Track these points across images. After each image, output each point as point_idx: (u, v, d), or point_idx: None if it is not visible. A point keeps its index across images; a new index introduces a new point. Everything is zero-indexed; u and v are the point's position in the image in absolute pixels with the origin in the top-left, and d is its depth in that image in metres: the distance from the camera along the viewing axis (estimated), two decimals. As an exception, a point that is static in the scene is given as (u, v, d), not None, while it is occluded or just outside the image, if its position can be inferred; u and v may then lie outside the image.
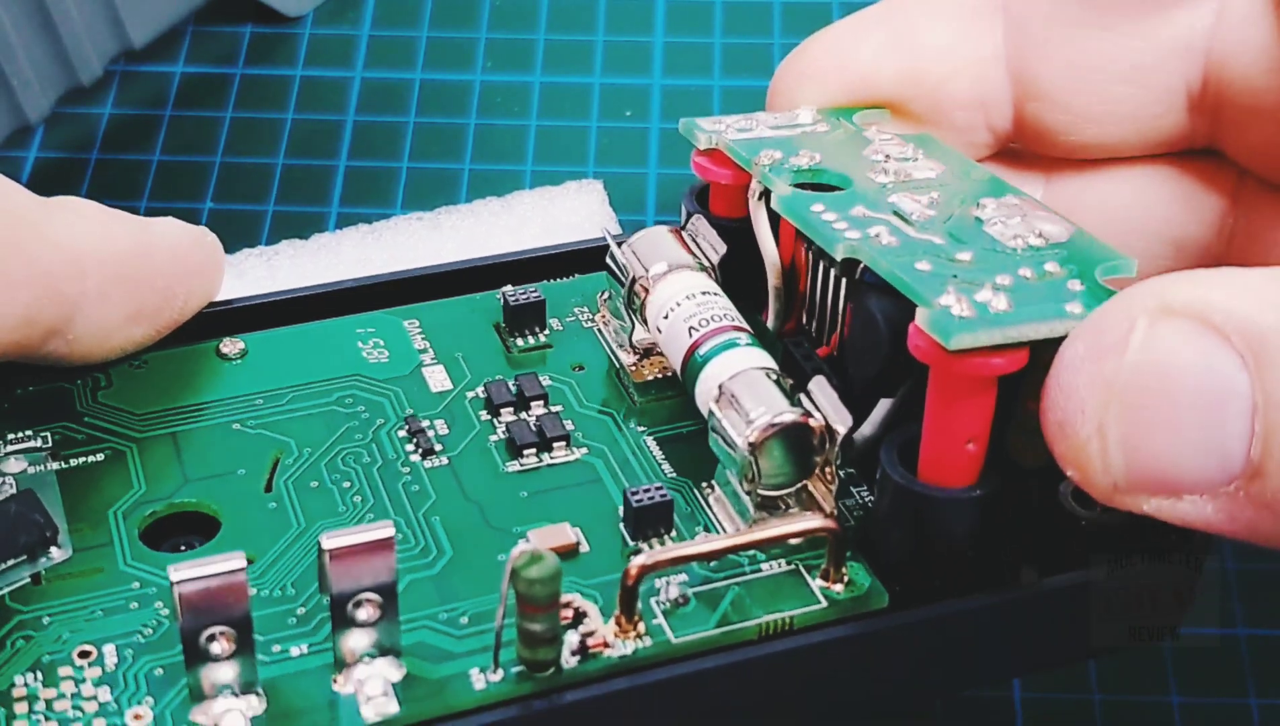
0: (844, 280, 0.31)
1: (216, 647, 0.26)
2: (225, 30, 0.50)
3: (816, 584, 0.29)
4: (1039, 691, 0.35)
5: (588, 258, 0.36)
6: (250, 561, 0.29)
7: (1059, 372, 0.26)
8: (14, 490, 0.30)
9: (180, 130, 0.47)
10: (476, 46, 0.49)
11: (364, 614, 0.27)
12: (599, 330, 0.35)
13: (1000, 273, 0.28)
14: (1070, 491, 0.30)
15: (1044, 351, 0.27)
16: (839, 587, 0.29)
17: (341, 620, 0.27)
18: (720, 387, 0.30)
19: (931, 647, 0.29)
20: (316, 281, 0.36)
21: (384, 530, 0.26)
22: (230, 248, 0.43)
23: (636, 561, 0.28)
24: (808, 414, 0.29)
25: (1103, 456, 0.26)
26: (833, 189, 0.32)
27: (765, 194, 0.33)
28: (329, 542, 0.26)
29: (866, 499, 0.31)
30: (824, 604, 0.29)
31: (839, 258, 0.30)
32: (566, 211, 0.42)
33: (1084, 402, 0.26)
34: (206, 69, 0.49)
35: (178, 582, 0.25)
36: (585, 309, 0.35)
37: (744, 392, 0.30)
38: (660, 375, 0.34)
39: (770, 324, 0.34)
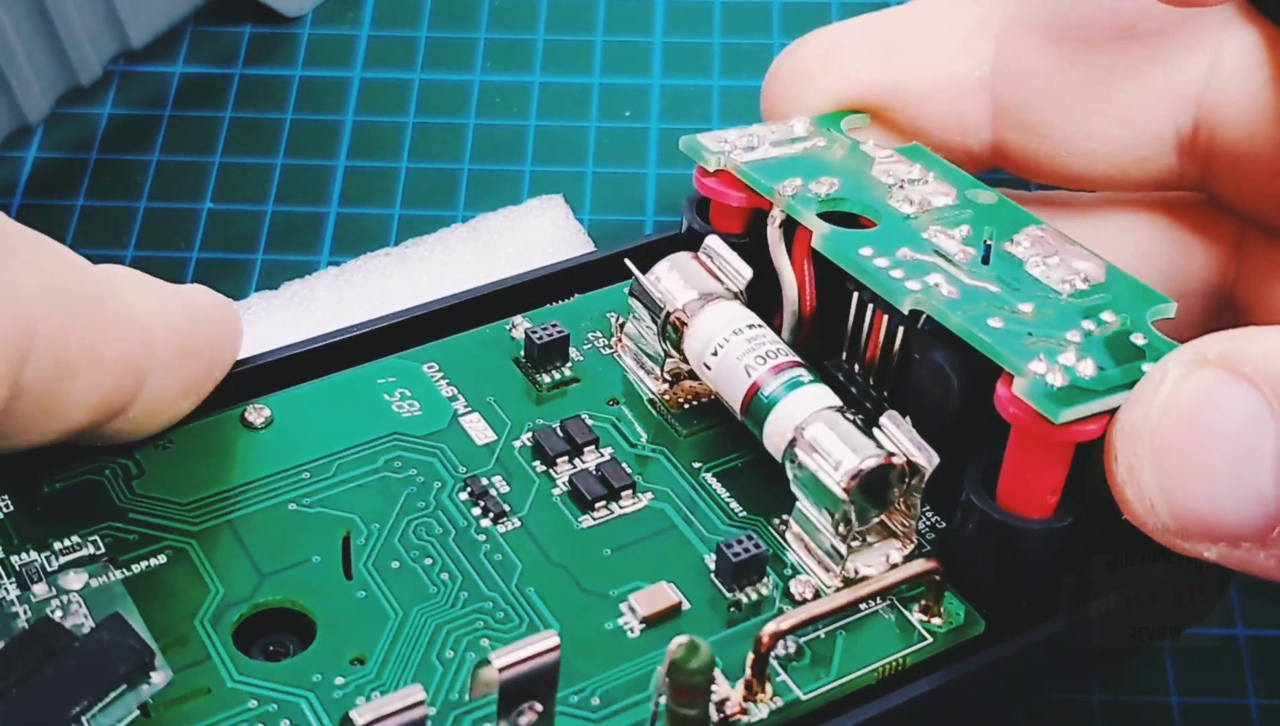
0: (901, 328, 0.32)
1: (392, 779, 0.25)
2: (225, 30, 0.48)
3: (916, 618, 0.30)
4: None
5: (584, 275, 0.36)
6: (360, 661, 0.29)
7: (1109, 424, 0.28)
8: (83, 609, 0.29)
9: (180, 130, 0.46)
10: (476, 46, 0.48)
11: (525, 721, 0.27)
12: (619, 356, 0.35)
13: (1067, 328, 0.30)
14: None
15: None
16: (938, 621, 0.30)
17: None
18: (797, 430, 0.31)
19: (1027, 668, 0.30)
20: (295, 330, 0.35)
21: (548, 640, 0.26)
22: (229, 251, 0.43)
23: (768, 630, 0.28)
24: (890, 453, 0.30)
25: (1140, 499, 0.27)
26: (854, 217, 0.33)
27: (786, 221, 0.33)
28: (500, 660, 0.26)
29: (932, 520, 0.32)
30: (929, 639, 0.30)
31: (906, 311, 0.30)
32: (534, 230, 0.41)
33: (1115, 447, 0.28)
34: (206, 69, 0.47)
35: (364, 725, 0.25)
36: (598, 333, 0.35)
37: (827, 436, 0.30)
38: (694, 402, 0.34)
39: (785, 332, 0.34)
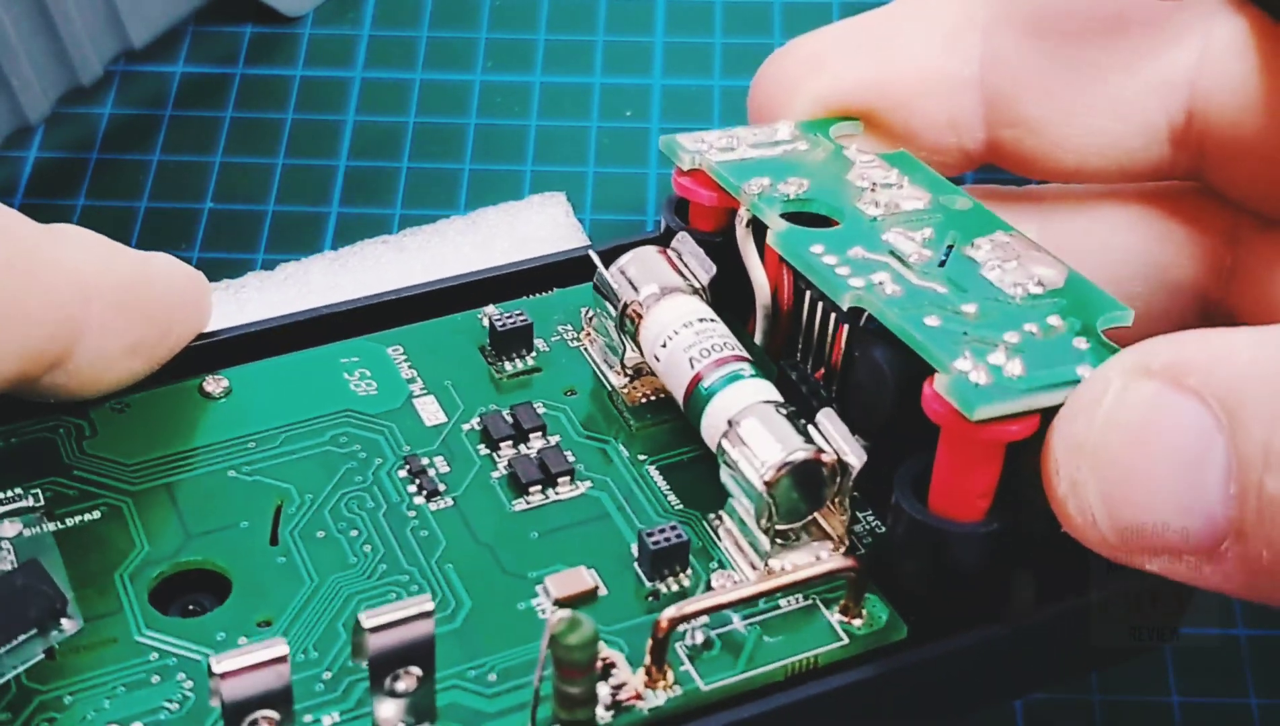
0: (845, 325, 0.31)
1: (258, 731, 0.26)
2: (225, 30, 0.49)
3: (835, 618, 0.29)
4: (1039, 691, 0.36)
5: (565, 271, 0.36)
6: (267, 624, 0.29)
7: (1049, 434, 0.27)
8: (11, 556, 0.30)
9: (180, 130, 0.47)
10: (476, 46, 0.48)
11: (402, 685, 0.27)
12: (585, 349, 0.35)
13: (1008, 330, 0.29)
14: None
15: (1052, 414, 0.28)
16: (858, 622, 0.29)
17: (379, 691, 0.26)
18: (730, 423, 0.30)
19: (951, 676, 0.29)
20: (286, 311, 0.35)
21: (423, 604, 0.26)
22: (230, 251, 0.44)
23: (667, 614, 0.28)
24: (820, 450, 0.30)
25: (1082, 513, 0.27)
26: (823, 218, 0.32)
27: (753, 221, 0.33)
28: (369, 621, 0.26)
29: (873, 524, 0.31)
30: (846, 640, 0.29)
31: (845, 307, 0.30)
32: (533, 226, 0.42)
33: (1057, 461, 0.27)
34: (206, 69, 0.48)
35: (221, 675, 0.25)
36: (569, 327, 0.35)
37: (756, 429, 0.30)
38: (652, 397, 0.34)
39: (758, 340, 0.34)
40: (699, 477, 0.32)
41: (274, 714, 0.25)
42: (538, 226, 0.42)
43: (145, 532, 0.30)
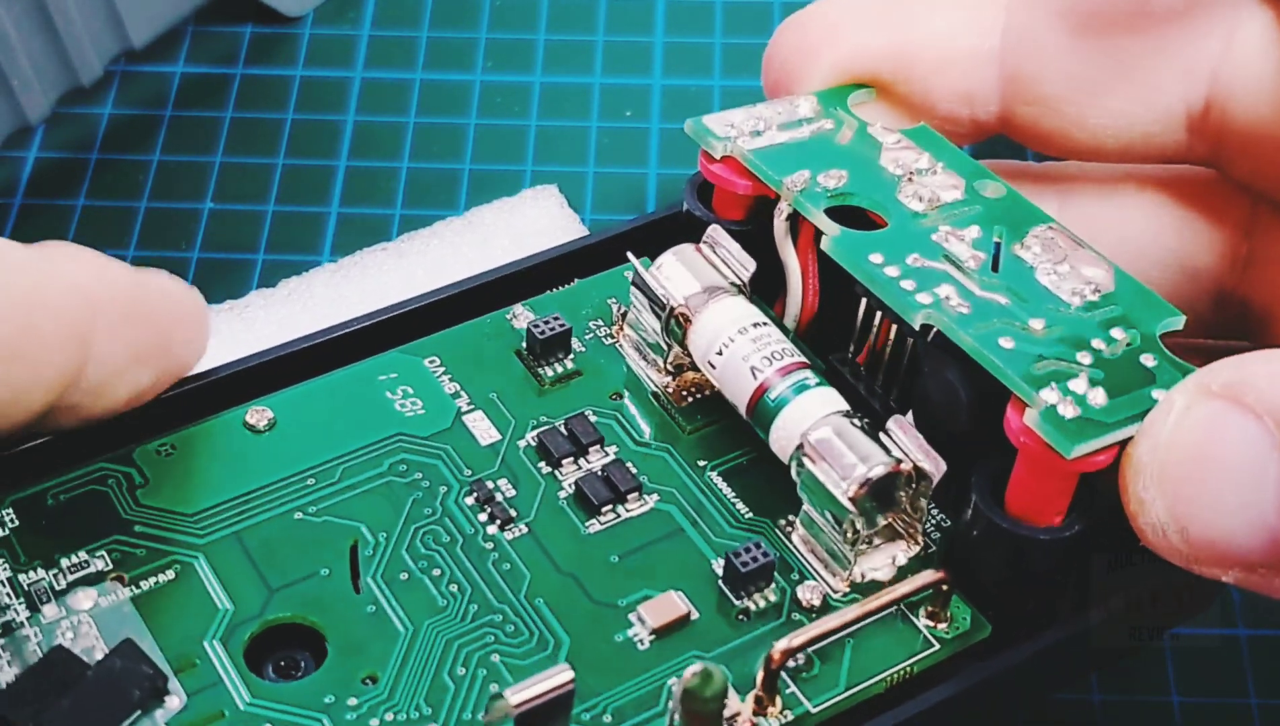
0: (910, 337, 0.31)
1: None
2: (225, 30, 0.48)
3: (923, 624, 0.30)
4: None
5: (582, 260, 0.36)
6: (373, 679, 0.29)
7: (1123, 456, 0.28)
8: (94, 630, 0.29)
9: (180, 130, 0.46)
10: (476, 46, 0.48)
11: (540, 749, 0.27)
12: (620, 346, 0.34)
13: (1078, 348, 0.29)
14: None
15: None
16: (943, 626, 0.30)
17: (516, 756, 0.27)
18: (804, 436, 0.31)
19: (1035, 672, 0.31)
20: (293, 328, 0.35)
21: (563, 675, 0.26)
22: (230, 251, 0.43)
23: (779, 647, 0.28)
24: (898, 461, 0.30)
25: (1153, 529, 0.28)
26: (865, 212, 0.32)
27: (793, 214, 0.33)
28: (516, 697, 0.26)
29: (938, 518, 0.32)
30: (936, 645, 0.30)
31: (917, 326, 0.30)
32: (529, 220, 0.42)
33: (1125, 479, 0.28)
34: (206, 69, 0.47)
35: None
36: (600, 322, 0.35)
37: (834, 444, 0.30)
38: (697, 395, 0.34)
39: (787, 324, 0.34)
40: (761, 482, 0.32)
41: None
42: (534, 220, 0.42)
43: (225, 591, 0.30)
